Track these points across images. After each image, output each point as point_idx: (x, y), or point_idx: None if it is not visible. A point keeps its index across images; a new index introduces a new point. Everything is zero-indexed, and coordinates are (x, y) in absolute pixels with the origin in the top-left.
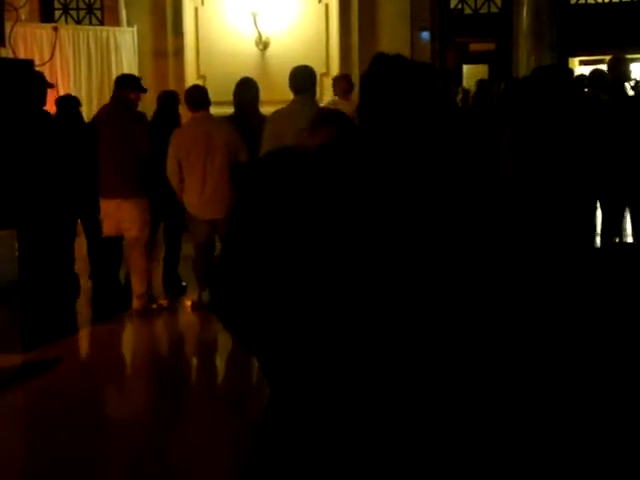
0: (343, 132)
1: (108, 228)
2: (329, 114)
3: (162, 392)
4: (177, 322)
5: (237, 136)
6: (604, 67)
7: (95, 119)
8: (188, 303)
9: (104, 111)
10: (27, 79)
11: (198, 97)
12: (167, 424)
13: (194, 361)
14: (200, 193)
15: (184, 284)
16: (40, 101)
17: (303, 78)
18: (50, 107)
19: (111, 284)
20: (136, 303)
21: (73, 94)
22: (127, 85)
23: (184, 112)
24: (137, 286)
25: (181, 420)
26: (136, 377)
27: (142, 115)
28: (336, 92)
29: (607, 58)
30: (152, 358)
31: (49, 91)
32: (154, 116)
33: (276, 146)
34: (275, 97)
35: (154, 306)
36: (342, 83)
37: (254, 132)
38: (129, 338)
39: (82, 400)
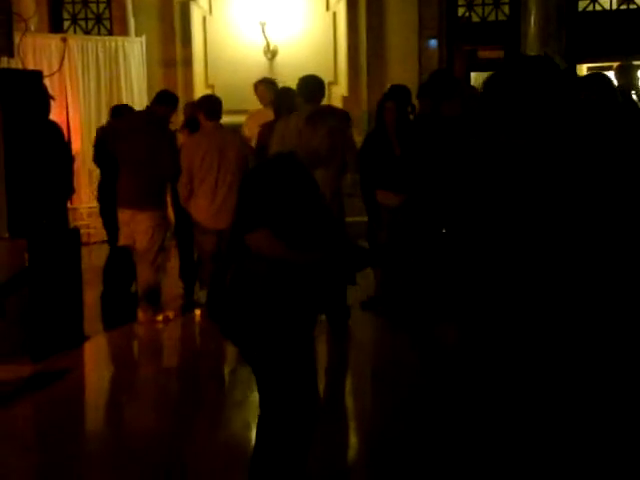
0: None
1: (123, 237)
2: (325, 111)
3: (170, 401)
4: (185, 332)
5: (249, 147)
6: (611, 74)
7: (117, 127)
8: (197, 312)
9: (134, 120)
10: (36, 90)
11: (214, 107)
12: (177, 432)
13: (202, 371)
14: (210, 203)
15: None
16: (46, 111)
17: (312, 87)
18: (59, 118)
19: (123, 294)
20: (141, 314)
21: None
22: (164, 102)
23: None
24: (142, 297)
25: (190, 429)
26: (144, 387)
27: (172, 134)
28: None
29: (615, 65)
30: (160, 368)
31: (57, 100)
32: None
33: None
34: None
35: (159, 318)
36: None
37: None
38: (136, 348)
39: (91, 410)
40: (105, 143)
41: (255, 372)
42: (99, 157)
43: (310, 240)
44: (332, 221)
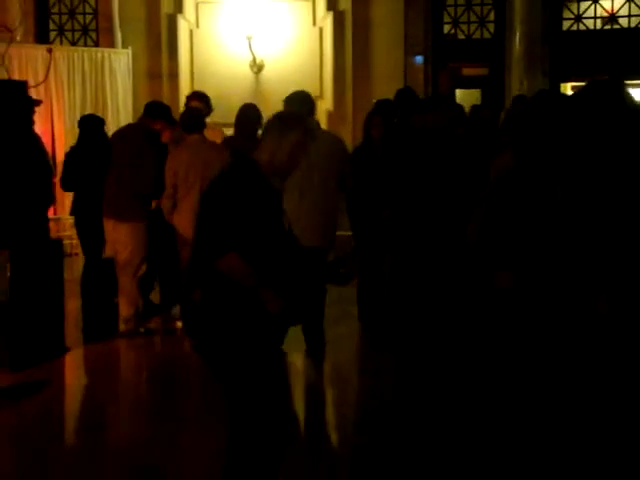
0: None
1: (108, 248)
2: (291, 117)
3: (150, 414)
4: (167, 344)
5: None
6: None
7: (112, 137)
8: (179, 325)
9: (123, 131)
10: (20, 100)
11: (194, 120)
12: (156, 445)
13: (183, 383)
14: (195, 216)
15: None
16: (30, 121)
17: (300, 103)
18: (44, 128)
19: (105, 306)
20: (122, 326)
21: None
22: (154, 114)
23: None
24: (124, 309)
25: (171, 441)
26: (124, 399)
27: (161, 149)
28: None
29: None
30: (140, 380)
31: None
32: None
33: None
34: None
35: (141, 330)
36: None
37: None
38: (117, 360)
39: (70, 420)
40: (73, 164)
41: (225, 389)
42: (69, 177)
43: (276, 266)
44: (294, 244)
